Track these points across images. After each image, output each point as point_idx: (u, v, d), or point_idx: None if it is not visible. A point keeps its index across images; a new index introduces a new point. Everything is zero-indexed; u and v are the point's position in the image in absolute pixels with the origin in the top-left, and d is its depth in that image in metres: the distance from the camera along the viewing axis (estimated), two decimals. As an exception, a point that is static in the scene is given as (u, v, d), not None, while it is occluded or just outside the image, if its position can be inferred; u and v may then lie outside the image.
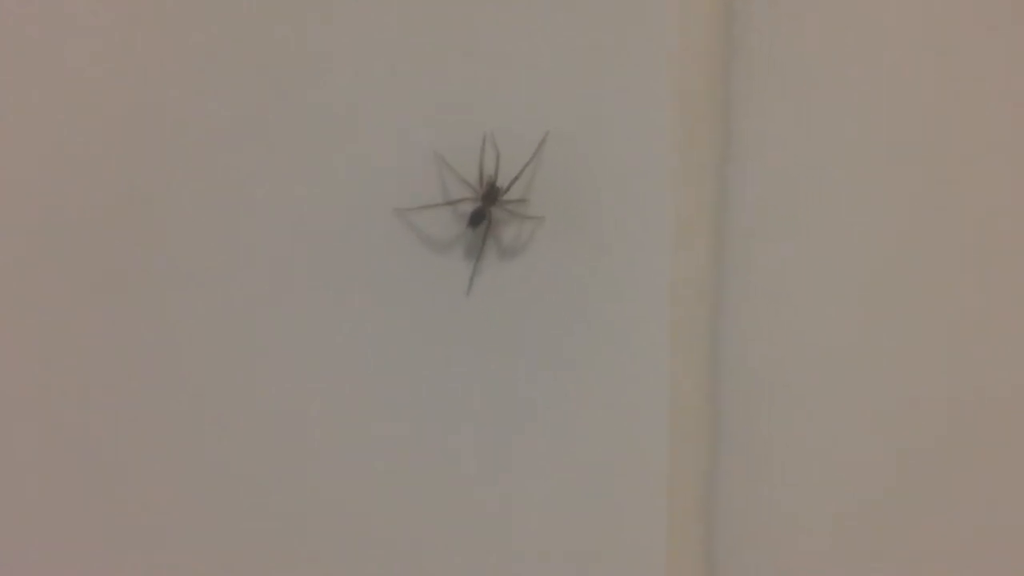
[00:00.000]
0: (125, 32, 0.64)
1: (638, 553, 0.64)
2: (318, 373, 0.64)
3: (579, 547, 0.65)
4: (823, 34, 0.65)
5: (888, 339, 0.65)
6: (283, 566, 0.64)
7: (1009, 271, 0.65)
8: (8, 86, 0.64)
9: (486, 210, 0.64)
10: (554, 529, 0.64)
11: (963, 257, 0.65)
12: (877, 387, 0.65)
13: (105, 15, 0.64)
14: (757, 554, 0.64)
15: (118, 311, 0.64)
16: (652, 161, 0.64)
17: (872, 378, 0.65)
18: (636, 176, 0.64)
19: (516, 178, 0.63)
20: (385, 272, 0.64)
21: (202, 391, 0.64)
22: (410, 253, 0.64)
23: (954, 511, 0.65)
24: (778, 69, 0.65)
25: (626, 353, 0.64)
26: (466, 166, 0.64)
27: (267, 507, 0.64)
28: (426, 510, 0.64)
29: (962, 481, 0.65)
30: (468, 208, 0.64)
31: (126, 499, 0.64)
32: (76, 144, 0.64)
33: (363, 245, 0.64)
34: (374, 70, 0.64)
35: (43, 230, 0.64)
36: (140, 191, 0.64)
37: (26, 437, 0.64)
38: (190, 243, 0.64)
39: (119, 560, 0.64)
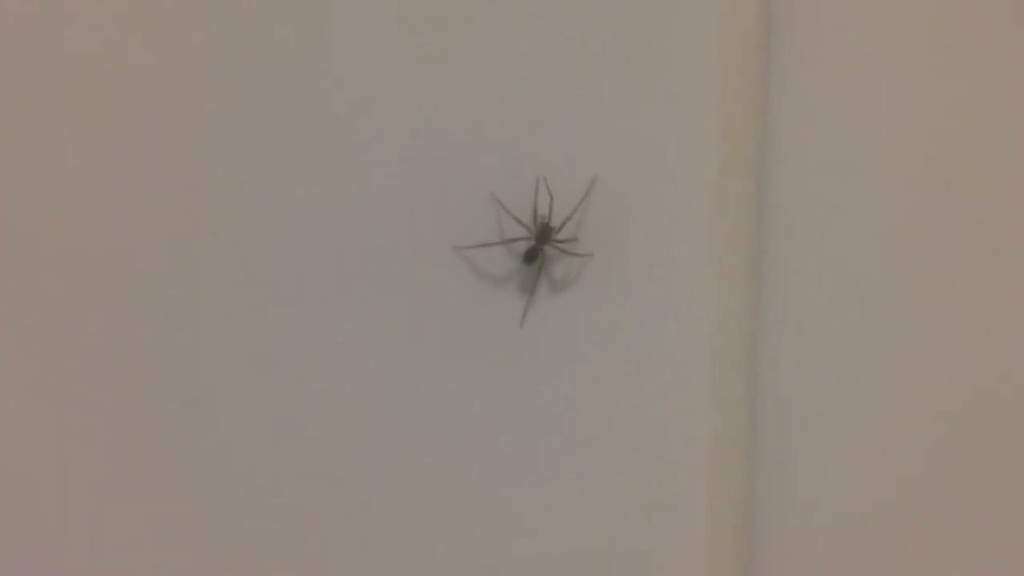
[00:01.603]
0: (138, 24, 0.66)
1: (667, 536, 0.69)
2: (382, 401, 0.68)
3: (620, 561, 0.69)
4: (857, 62, 0.69)
5: (920, 351, 0.69)
6: (311, 564, 0.68)
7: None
8: (10, 86, 0.65)
9: (540, 248, 0.68)
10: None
11: (1003, 267, 0.69)
12: (907, 398, 0.69)
13: (119, 8, 0.66)
14: (790, 540, 0.69)
15: (153, 315, 0.66)
16: (690, 201, 0.68)
17: (901, 390, 0.69)
18: (676, 215, 0.68)
19: (568, 219, 0.68)
20: (444, 305, 0.68)
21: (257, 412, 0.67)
22: (468, 288, 0.68)
23: (979, 511, 0.69)
24: (813, 108, 0.69)
25: (669, 379, 0.69)
26: (519, 207, 0.68)
27: (296, 516, 0.67)
28: (480, 535, 0.69)
29: (988, 484, 0.69)
30: (522, 246, 0.68)
31: (154, 498, 0.67)
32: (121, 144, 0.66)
33: (422, 280, 0.68)
34: (437, 115, 0.68)
35: (57, 232, 0.66)
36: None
37: (53, 437, 0.66)
38: (244, 283, 0.67)
39: (123, 559, 0.67)
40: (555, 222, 0.68)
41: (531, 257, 0.68)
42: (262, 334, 0.67)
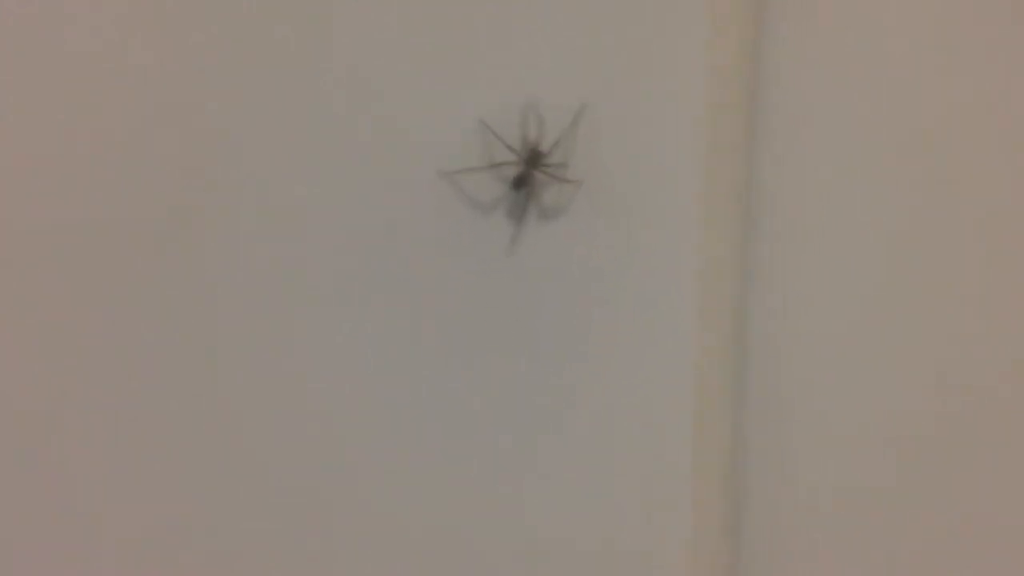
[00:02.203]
0: (138, 24, 0.65)
1: (662, 532, 0.69)
2: (366, 323, 0.67)
3: (599, 521, 0.69)
4: (850, 24, 0.68)
5: (910, 321, 0.69)
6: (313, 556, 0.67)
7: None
8: (11, 86, 0.64)
9: (529, 173, 0.67)
10: (572, 497, 0.68)
11: (980, 247, 0.69)
12: (896, 368, 0.69)
13: (119, 8, 0.65)
14: (780, 535, 0.69)
15: (149, 306, 0.66)
16: (684, 131, 0.67)
17: (891, 357, 0.69)
18: (669, 145, 0.68)
19: (557, 143, 0.67)
20: (431, 232, 0.67)
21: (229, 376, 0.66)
22: (454, 214, 0.67)
23: (972, 509, 0.69)
24: (806, 47, 0.68)
25: (653, 314, 0.68)
26: (508, 133, 0.67)
27: (283, 499, 0.67)
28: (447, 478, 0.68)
29: (982, 481, 0.69)
30: (511, 172, 0.67)
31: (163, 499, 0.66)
32: (111, 142, 0.65)
33: (410, 207, 0.66)
34: (419, 41, 0.66)
35: (57, 231, 0.65)
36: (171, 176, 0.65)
37: (53, 437, 0.66)
38: (231, 200, 0.66)
39: (124, 559, 0.66)
40: (545, 147, 0.67)
41: (520, 183, 0.67)
42: (256, 270, 0.66)
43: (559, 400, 0.68)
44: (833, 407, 0.69)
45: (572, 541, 0.69)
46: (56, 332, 0.65)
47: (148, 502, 0.66)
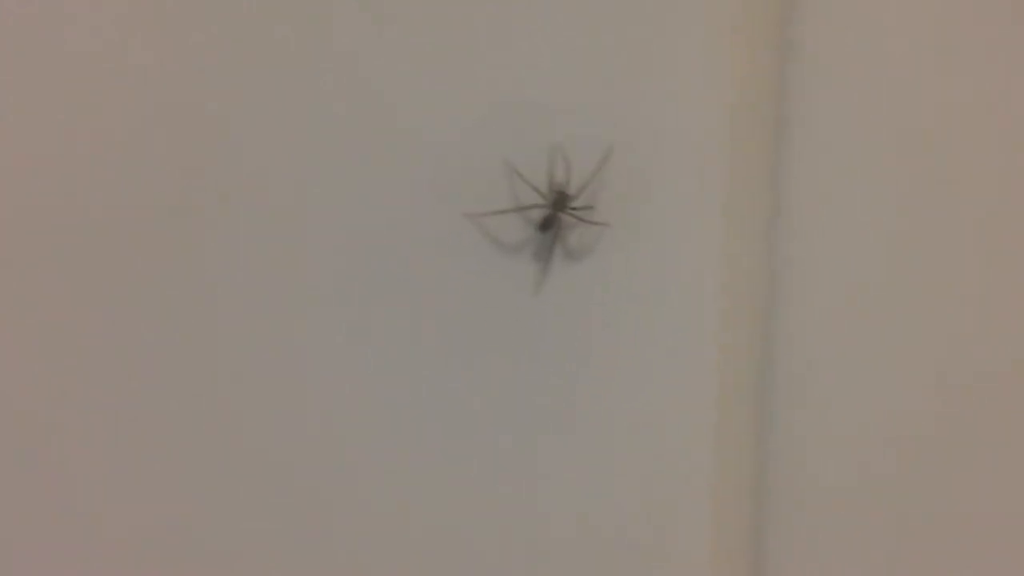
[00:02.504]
0: (136, 21, 0.65)
1: (683, 531, 0.70)
2: (389, 368, 0.67)
3: (621, 523, 0.70)
4: (870, 49, 0.69)
5: (936, 320, 0.70)
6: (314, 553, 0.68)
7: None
8: (12, 85, 0.65)
9: (555, 216, 0.67)
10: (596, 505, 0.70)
11: (1007, 264, 0.70)
12: (919, 366, 0.70)
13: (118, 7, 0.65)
14: (801, 534, 0.70)
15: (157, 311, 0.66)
16: (705, 172, 0.68)
17: (915, 356, 0.70)
18: (691, 185, 0.68)
19: (585, 187, 0.67)
20: (458, 273, 0.67)
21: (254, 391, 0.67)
22: (482, 256, 0.68)
23: (986, 505, 0.70)
24: (828, 87, 0.69)
25: (678, 344, 0.69)
26: (534, 174, 0.67)
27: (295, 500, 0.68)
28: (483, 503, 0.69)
29: (996, 477, 0.70)
30: (538, 214, 0.68)
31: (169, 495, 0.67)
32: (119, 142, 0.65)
33: (437, 249, 0.67)
34: (449, 80, 0.67)
35: (59, 230, 0.65)
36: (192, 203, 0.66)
37: (53, 437, 0.66)
38: (254, 243, 0.66)
39: (124, 559, 0.67)
40: (571, 190, 0.67)
41: (547, 225, 0.68)
42: (264, 291, 0.67)
43: (586, 433, 0.69)
44: (856, 405, 0.70)
45: (592, 542, 0.70)
46: (56, 332, 0.65)
47: (147, 502, 0.67)
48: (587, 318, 0.68)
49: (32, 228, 0.65)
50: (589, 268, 0.69)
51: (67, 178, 0.65)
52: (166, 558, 0.67)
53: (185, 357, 0.66)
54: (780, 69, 0.68)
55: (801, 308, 0.70)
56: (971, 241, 0.70)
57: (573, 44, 0.67)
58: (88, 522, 0.66)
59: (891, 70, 0.69)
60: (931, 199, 0.70)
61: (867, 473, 0.70)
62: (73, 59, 0.65)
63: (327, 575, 0.68)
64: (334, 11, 0.66)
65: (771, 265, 0.69)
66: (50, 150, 0.65)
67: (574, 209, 0.68)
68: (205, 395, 0.67)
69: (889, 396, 0.70)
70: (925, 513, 0.70)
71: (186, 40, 0.65)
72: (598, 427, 0.69)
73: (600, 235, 0.68)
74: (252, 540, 0.67)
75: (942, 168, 0.69)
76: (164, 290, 0.66)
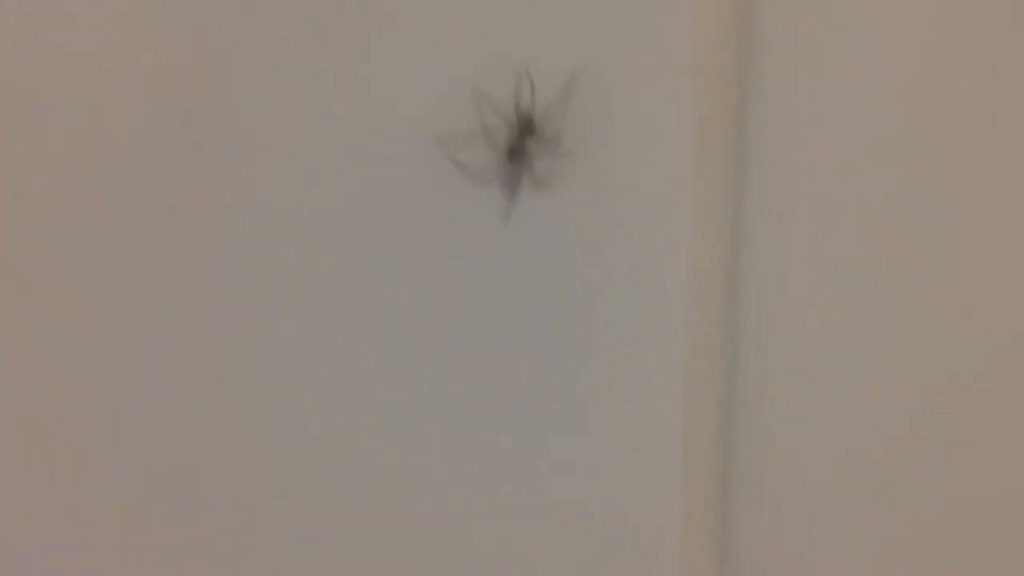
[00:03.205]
0: (132, 15, 0.66)
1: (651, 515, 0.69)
2: (360, 297, 0.68)
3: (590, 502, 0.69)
4: (844, 12, 0.68)
5: (900, 319, 0.68)
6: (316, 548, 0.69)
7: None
8: (12, 85, 0.66)
9: (523, 143, 0.67)
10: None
11: (974, 246, 0.68)
12: (886, 365, 0.69)
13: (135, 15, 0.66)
14: (769, 531, 0.69)
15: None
16: (675, 100, 0.67)
17: (881, 355, 0.68)
18: (660, 114, 0.67)
19: (548, 110, 0.67)
20: (428, 202, 0.67)
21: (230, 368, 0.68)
22: (450, 185, 0.67)
23: (961, 496, 0.69)
24: (798, 28, 0.68)
25: (646, 281, 0.68)
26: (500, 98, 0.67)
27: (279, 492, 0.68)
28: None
29: (971, 467, 0.69)
30: (504, 141, 0.67)
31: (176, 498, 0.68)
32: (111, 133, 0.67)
33: (406, 179, 0.67)
34: (412, 9, 0.67)
35: (62, 230, 0.67)
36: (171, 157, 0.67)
37: (55, 437, 0.67)
38: (234, 179, 0.67)
39: (126, 558, 0.68)
40: (537, 115, 0.67)
41: (514, 154, 0.67)
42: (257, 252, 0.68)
43: (551, 383, 0.69)
44: (823, 401, 0.69)
45: (565, 533, 0.69)
46: (57, 330, 0.67)
47: (146, 502, 0.68)
48: (555, 252, 0.68)
49: (33, 228, 0.66)
50: (556, 197, 0.68)
51: (67, 177, 0.66)
52: (166, 557, 0.68)
53: (181, 353, 0.68)
54: (746, 9, 0.68)
55: (768, 252, 0.68)
56: (943, 233, 0.68)
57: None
58: (89, 522, 0.67)
59: (873, 56, 0.68)
60: (901, 193, 0.68)
61: (837, 467, 0.69)
62: (73, 59, 0.66)
63: (325, 571, 0.69)
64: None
65: (738, 210, 0.68)
66: (50, 150, 0.66)
67: (541, 136, 0.67)
68: (203, 393, 0.68)
69: (858, 388, 0.69)
70: (896, 508, 0.69)
71: (183, 38, 0.66)
72: (563, 363, 0.68)
73: (567, 165, 0.68)
74: (252, 539, 0.68)
75: (915, 164, 0.68)
76: (160, 283, 0.67)
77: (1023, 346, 0.67)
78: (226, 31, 0.66)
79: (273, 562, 0.68)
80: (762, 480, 0.69)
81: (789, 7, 0.67)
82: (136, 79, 0.66)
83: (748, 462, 0.69)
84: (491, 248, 0.68)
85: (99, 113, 0.66)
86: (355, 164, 0.67)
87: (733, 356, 0.68)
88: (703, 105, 0.67)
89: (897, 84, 0.67)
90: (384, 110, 0.67)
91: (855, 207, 0.68)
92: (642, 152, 0.68)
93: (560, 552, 0.69)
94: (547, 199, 0.68)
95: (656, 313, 0.68)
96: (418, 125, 0.67)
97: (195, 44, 0.66)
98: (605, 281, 0.68)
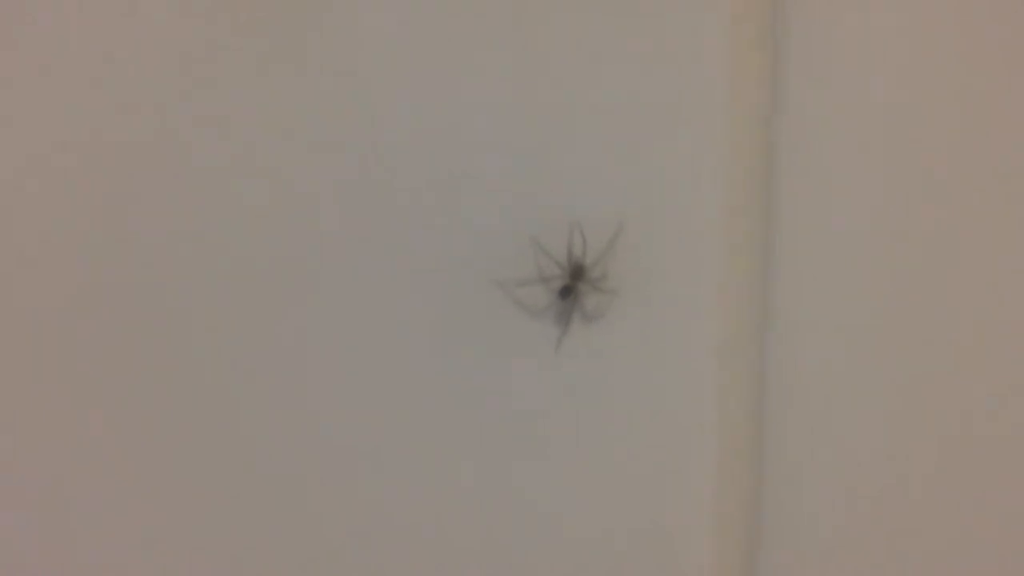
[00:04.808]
0: (142, 21, 0.70)
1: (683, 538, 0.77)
2: (430, 423, 0.77)
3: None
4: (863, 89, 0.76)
5: (929, 360, 0.77)
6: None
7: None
8: (11, 84, 0.69)
9: (574, 285, 0.77)
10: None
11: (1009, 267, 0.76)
12: (916, 374, 0.76)
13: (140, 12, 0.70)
14: (800, 538, 0.77)
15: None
16: (703, 245, 0.77)
17: (911, 368, 0.76)
18: (689, 256, 0.77)
19: (599, 259, 0.77)
20: (491, 335, 0.77)
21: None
22: (511, 320, 0.77)
23: (986, 516, 0.76)
24: (820, 146, 0.77)
25: (677, 396, 0.78)
26: (555, 249, 0.77)
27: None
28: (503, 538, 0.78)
29: (997, 488, 0.76)
30: (558, 283, 0.77)
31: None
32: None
33: (471, 314, 0.77)
34: (483, 168, 0.76)
35: (66, 229, 0.70)
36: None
37: (56, 438, 0.70)
38: (291, 308, 0.75)
39: (127, 559, 0.71)
40: (587, 262, 0.77)
41: (566, 293, 0.77)
42: (303, 364, 0.75)
43: (597, 469, 0.78)
44: (852, 437, 0.77)
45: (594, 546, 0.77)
46: (57, 331, 0.70)
47: (147, 502, 0.72)
48: (601, 374, 0.78)
49: (34, 228, 0.70)
50: (603, 330, 0.78)
51: (69, 179, 0.70)
52: (166, 557, 0.72)
53: (184, 355, 0.72)
54: (768, 160, 0.77)
55: (795, 344, 0.78)
56: (984, 264, 0.76)
57: (589, 134, 0.76)
58: (90, 522, 0.71)
59: (897, 76, 0.76)
60: (928, 232, 0.77)
61: (869, 478, 0.77)
62: (76, 59, 0.70)
63: (323, 573, 0.75)
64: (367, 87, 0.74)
65: (764, 318, 0.77)
66: (51, 152, 0.70)
67: (590, 279, 0.77)
68: (205, 397, 0.73)
69: (885, 424, 0.77)
70: (920, 537, 0.76)
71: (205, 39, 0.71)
72: (609, 467, 0.78)
73: (612, 301, 0.78)
74: (251, 540, 0.73)
75: (941, 170, 0.76)
76: (169, 288, 0.72)
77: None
78: (252, 40, 0.72)
79: (274, 562, 0.73)
80: (796, 512, 0.77)
81: (809, 165, 0.77)
82: (146, 75, 0.70)
83: (780, 498, 0.77)
84: (544, 375, 0.77)
85: (105, 115, 0.69)
86: (430, 304, 0.76)
87: (761, 463, 0.78)
88: (731, 250, 0.77)
89: (923, 117, 0.76)
90: (455, 255, 0.76)
91: (884, 319, 0.77)
92: (675, 290, 0.78)
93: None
94: (594, 332, 0.78)
95: (688, 447, 0.77)
96: (485, 270, 0.76)
97: (217, 44, 0.71)
98: (642, 404, 0.78)
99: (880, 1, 0.76)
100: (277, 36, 0.73)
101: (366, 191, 0.75)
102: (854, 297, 0.78)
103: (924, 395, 0.77)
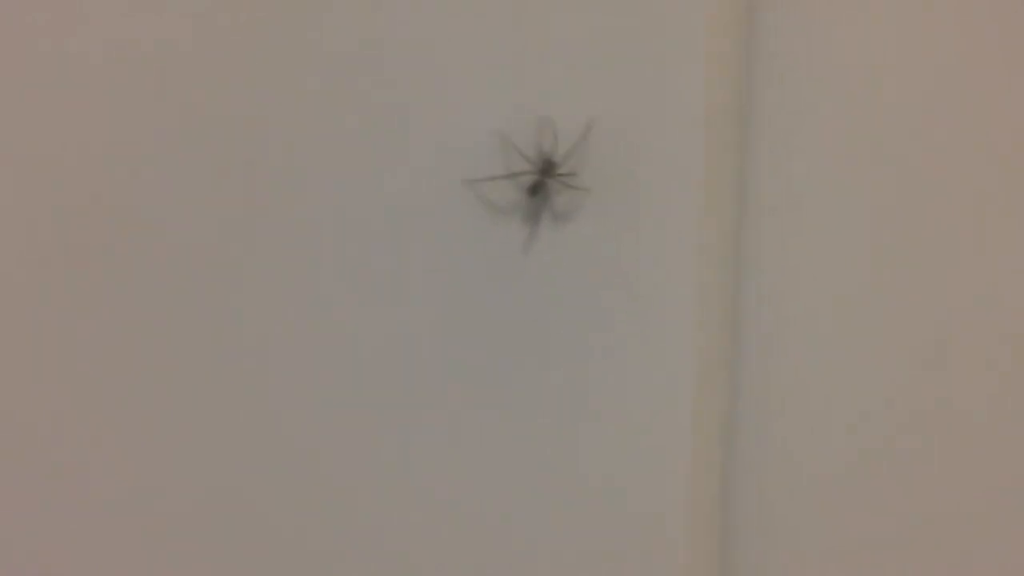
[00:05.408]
0: (144, 14, 0.70)
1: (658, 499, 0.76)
2: (391, 316, 0.74)
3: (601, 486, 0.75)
4: (842, 24, 0.76)
5: (902, 314, 0.76)
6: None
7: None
8: (11, 84, 0.69)
9: (543, 181, 0.74)
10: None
11: (972, 237, 0.76)
12: (886, 356, 0.76)
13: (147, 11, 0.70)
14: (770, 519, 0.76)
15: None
16: (683, 142, 0.75)
17: (882, 348, 0.76)
18: (669, 155, 0.75)
19: (568, 155, 0.74)
20: (455, 234, 0.74)
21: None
22: (477, 217, 0.75)
23: (951, 477, 0.76)
24: (797, 79, 0.76)
25: (655, 305, 0.75)
26: (525, 144, 0.75)
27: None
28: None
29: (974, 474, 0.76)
30: (527, 180, 0.74)
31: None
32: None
33: (436, 210, 0.74)
34: (447, 59, 0.74)
35: (70, 230, 0.70)
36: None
37: (59, 438, 0.70)
38: (266, 193, 0.73)
39: (129, 559, 0.71)
40: (557, 158, 0.74)
41: (535, 190, 0.74)
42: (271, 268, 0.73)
43: (566, 390, 0.75)
44: (825, 396, 0.76)
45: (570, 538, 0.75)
46: (69, 329, 0.70)
47: (147, 501, 0.71)
48: (572, 277, 0.75)
49: (42, 226, 0.70)
50: (573, 230, 0.75)
51: (81, 177, 0.70)
52: (165, 558, 0.71)
53: (190, 354, 0.71)
54: (748, 65, 0.75)
55: (770, 282, 0.76)
56: (949, 230, 0.76)
57: (564, 35, 0.74)
58: (91, 523, 0.71)
59: (857, 78, 0.76)
60: (902, 194, 0.76)
61: (840, 460, 0.76)
62: (81, 58, 0.69)
63: (334, 566, 0.73)
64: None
65: (741, 239, 0.75)
66: (61, 149, 0.70)
67: (560, 175, 0.75)
68: (209, 387, 0.72)
69: (860, 385, 0.76)
70: (893, 534, 0.76)
71: (199, 40, 0.71)
72: (574, 380, 0.75)
73: (583, 199, 0.75)
74: (251, 540, 0.72)
75: (914, 159, 0.76)
76: (173, 283, 0.71)
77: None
78: (264, 78, 0.72)
79: (276, 563, 0.73)
80: (764, 474, 0.76)
81: (793, 62, 0.75)
82: (158, 71, 0.70)
83: (751, 457, 0.76)
84: (513, 275, 0.75)
85: (117, 113, 0.70)
86: (392, 199, 0.74)
87: (736, 366, 0.76)
88: (709, 144, 0.75)
89: (904, 135, 0.76)
90: (422, 154, 0.74)
91: (857, 238, 0.76)
92: (650, 189, 0.75)
93: (571, 544, 0.76)
94: (564, 232, 0.75)
95: (665, 323, 0.75)
96: (452, 169, 0.74)
97: (213, 34, 0.71)
98: (617, 298, 0.75)
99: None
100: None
101: (334, 91, 0.73)
102: (836, 252, 0.77)
103: (900, 379, 0.76)
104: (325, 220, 0.73)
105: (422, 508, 0.74)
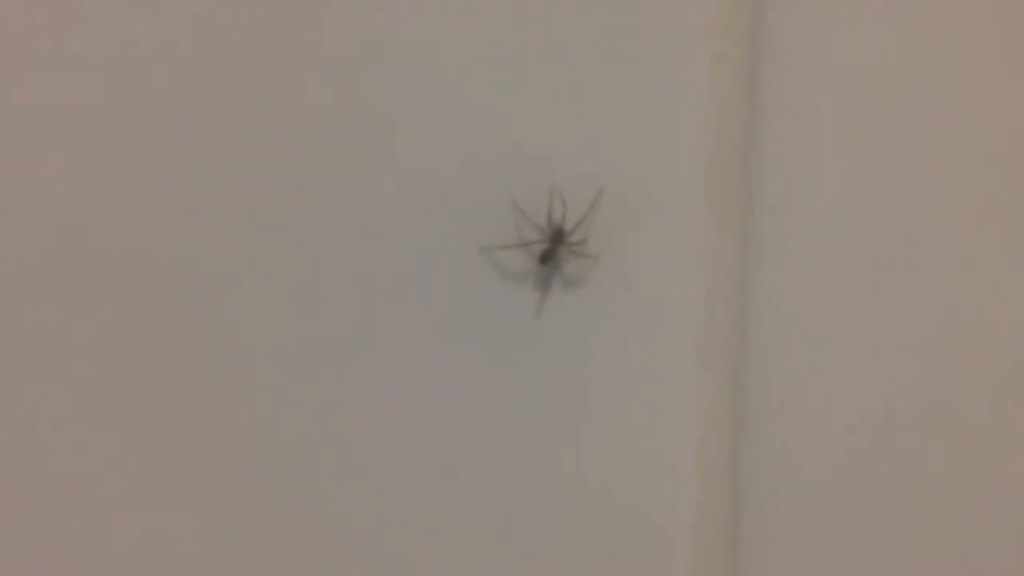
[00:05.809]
0: (157, 26, 0.71)
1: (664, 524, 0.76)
2: (401, 381, 0.76)
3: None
4: (837, 95, 0.77)
5: (907, 321, 0.76)
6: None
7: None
8: (10, 84, 0.70)
9: (554, 250, 0.77)
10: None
11: (979, 239, 0.76)
12: (891, 361, 0.76)
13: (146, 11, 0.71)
14: (779, 524, 0.76)
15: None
16: (683, 210, 0.77)
17: (888, 355, 0.76)
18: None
19: (578, 224, 0.77)
20: (469, 300, 0.77)
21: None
22: (490, 285, 0.77)
23: (963, 477, 0.75)
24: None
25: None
26: (535, 213, 0.77)
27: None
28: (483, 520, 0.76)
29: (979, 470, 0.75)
30: (538, 248, 0.77)
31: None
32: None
33: (450, 280, 0.77)
34: (461, 129, 0.77)
35: (71, 230, 0.71)
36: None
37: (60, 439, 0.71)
38: (277, 280, 0.75)
39: (130, 560, 0.72)
40: (567, 227, 0.77)
41: (546, 258, 0.77)
42: (282, 331, 0.75)
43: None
44: (827, 395, 0.76)
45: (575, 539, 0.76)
46: (65, 335, 0.71)
47: (146, 502, 0.72)
48: (581, 339, 0.77)
49: (41, 227, 0.71)
50: (583, 295, 0.78)
51: (81, 177, 0.70)
52: (165, 558, 0.72)
53: (193, 359, 0.72)
54: (750, 125, 0.77)
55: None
56: (955, 233, 0.76)
57: (569, 99, 0.77)
58: (92, 524, 0.72)
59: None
60: (905, 195, 0.76)
61: (847, 463, 0.76)
62: (81, 58, 0.71)
63: (321, 570, 0.74)
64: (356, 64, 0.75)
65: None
66: (60, 148, 0.70)
67: (570, 244, 0.77)
68: (215, 403, 0.73)
69: (861, 385, 0.76)
70: (900, 534, 0.76)
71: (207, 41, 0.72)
72: (589, 434, 0.77)
73: (592, 266, 0.78)
74: (250, 540, 0.73)
75: (919, 164, 0.76)
76: (173, 287, 0.72)
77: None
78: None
79: (277, 567, 0.73)
80: (765, 474, 0.76)
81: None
82: (153, 76, 0.70)
83: (752, 457, 0.76)
84: (524, 341, 0.77)
85: (112, 119, 0.70)
86: (407, 267, 0.76)
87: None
88: (711, 217, 0.76)
89: (908, 136, 0.76)
90: (433, 219, 0.76)
91: (859, 238, 0.76)
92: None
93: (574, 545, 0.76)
94: (574, 297, 0.78)
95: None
96: (465, 234, 0.77)
97: (214, 44, 0.71)
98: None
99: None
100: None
101: (349, 159, 0.76)
102: (838, 266, 0.77)
103: (906, 380, 0.76)
104: (325, 220, 0.75)
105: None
